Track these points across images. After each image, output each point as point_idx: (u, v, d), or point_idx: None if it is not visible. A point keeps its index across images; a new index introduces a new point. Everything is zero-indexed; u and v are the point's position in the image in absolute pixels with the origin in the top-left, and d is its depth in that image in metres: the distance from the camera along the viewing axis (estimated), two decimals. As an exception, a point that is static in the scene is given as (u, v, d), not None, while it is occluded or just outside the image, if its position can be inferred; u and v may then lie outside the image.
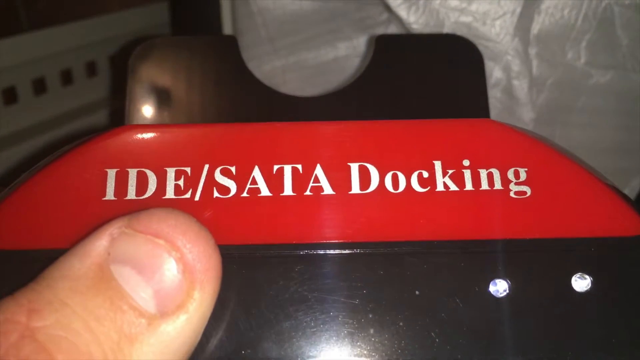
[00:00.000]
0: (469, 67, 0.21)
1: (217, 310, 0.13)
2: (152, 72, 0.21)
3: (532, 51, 0.31)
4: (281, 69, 0.35)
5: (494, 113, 0.33)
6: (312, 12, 0.34)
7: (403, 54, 0.22)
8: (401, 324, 0.14)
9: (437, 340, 0.14)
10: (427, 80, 0.21)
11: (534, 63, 0.31)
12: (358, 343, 0.14)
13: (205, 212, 0.15)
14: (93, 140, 0.16)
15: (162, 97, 0.21)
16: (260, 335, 0.14)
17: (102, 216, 0.13)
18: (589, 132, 0.32)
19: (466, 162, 0.16)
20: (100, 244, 0.12)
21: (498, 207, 0.15)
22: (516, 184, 0.16)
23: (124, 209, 0.14)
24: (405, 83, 0.21)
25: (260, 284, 0.14)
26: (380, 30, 0.34)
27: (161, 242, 0.12)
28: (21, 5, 0.40)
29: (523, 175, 0.16)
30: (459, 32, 0.31)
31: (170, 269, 0.12)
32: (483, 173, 0.16)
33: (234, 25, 0.35)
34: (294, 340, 0.14)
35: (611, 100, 0.31)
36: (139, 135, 0.16)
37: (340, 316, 0.14)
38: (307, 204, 0.15)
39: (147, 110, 0.21)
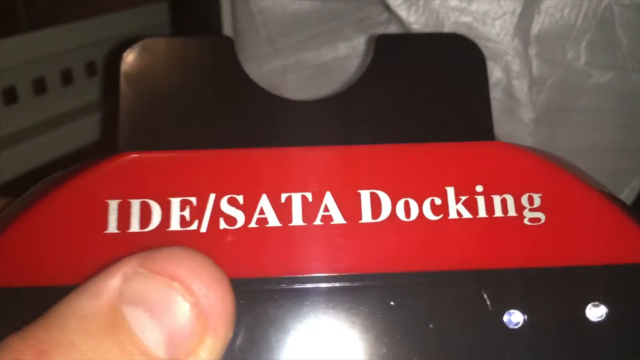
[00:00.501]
0: (471, 67, 0.21)
1: (228, 347, 0.13)
2: (144, 75, 0.20)
3: (532, 51, 0.31)
4: (281, 69, 0.35)
5: (494, 113, 0.33)
6: (312, 12, 0.34)
7: (404, 54, 0.22)
8: (415, 358, 0.14)
9: None
10: (429, 80, 0.21)
11: (534, 63, 0.31)
12: None
13: (226, 237, 0.15)
14: (92, 168, 0.15)
15: (156, 100, 0.21)
16: None
17: (104, 250, 0.13)
18: (589, 132, 0.32)
19: (479, 188, 0.15)
20: (112, 283, 0.12)
21: (512, 235, 0.15)
22: (530, 210, 0.15)
23: (128, 243, 0.13)
24: (407, 84, 0.21)
25: (271, 319, 0.14)
26: (380, 30, 0.34)
27: (176, 285, 0.12)
28: (21, 5, 0.40)
29: (537, 201, 0.15)
30: (459, 32, 0.31)
31: (184, 314, 0.11)
32: (497, 199, 0.15)
33: (234, 25, 0.35)
34: None
35: (611, 100, 0.31)
36: (140, 162, 0.15)
37: (354, 351, 0.14)
38: (317, 234, 0.15)
39: (141, 115, 0.20)
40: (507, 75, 0.32)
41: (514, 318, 0.14)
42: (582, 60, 0.31)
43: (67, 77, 0.40)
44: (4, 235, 0.14)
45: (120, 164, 0.15)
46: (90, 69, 0.42)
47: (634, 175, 0.33)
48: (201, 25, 0.38)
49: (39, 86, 0.39)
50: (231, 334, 0.12)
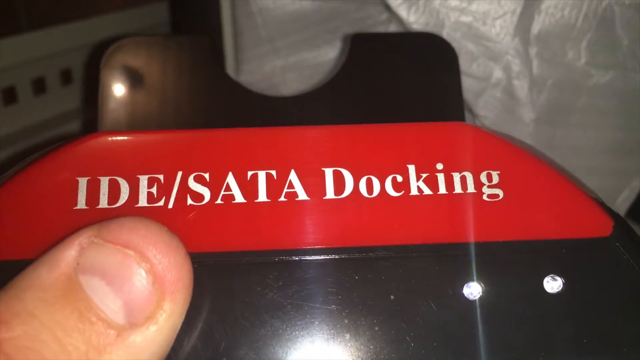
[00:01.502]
0: (444, 66, 0.21)
1: (192, 318, 0.13)
2: (124, 73, 0.21)
3: (533, 51, 0.31)
4: (281, 69, 0.35)
5: (494, 113, 0.33)
6: (312, 12, 0.34)
7: (379, 53, 0.22)
8: (377, 328, 0.14)
9: (412, 344, 0.14)
10: (403, 79, 0.22)
11: (534, 63, 0.31)
12: (334, 349, 0.14)
13: (189, 214, 0.15)
14: (63, 148, 0.16)
15: (135, 98, 0.21)
16: (235, 343, 0.14)
17: (73, 226, 0.13)
18: (589, 132, 0.32)
19: (440, 166, 0.16)
20: (69, 253, 0.12)
21: (471, 210, 0.15)
22: (489, 187, 0.16)
23: (96, 218, 0.13)
24: (381, 82, 0.21)
25: (236, 291, 0.14)
26: (380, 30, 0.34)
27: (131, 252, 0.12)
28: (21, 5, 0.40)
29: (496, 178, 0.16)
30: (459, 32, 0.31)
31: (139, 280, 0.12)
32: (456, 176, 0.16)
33: (234, 25, 0.35)
34: (270, 347, 0.14)
35: (611, 100, 0.31)
36: (110, 142, 0.16)
37: (316, 322, 0.14)
38: (282, 210, 0.15)
39: (120, 112, 0.21)
40: (508, 75, 0.32)
41: (474, 290, 0.15)
42: (583, 60, 0.31)
43: (66, 77, 0.40)
44: None
45: (90, 143, 0.16)
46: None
47: (634, 175, 0.33)
48: (201, 25, 0.38)
49: (39, 86, 0.39)
50: (189, 299, 0.12)
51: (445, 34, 0.31)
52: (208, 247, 0.15)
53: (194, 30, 0.40)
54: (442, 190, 0.16)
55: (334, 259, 0.15)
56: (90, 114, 0.41)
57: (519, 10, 0.31)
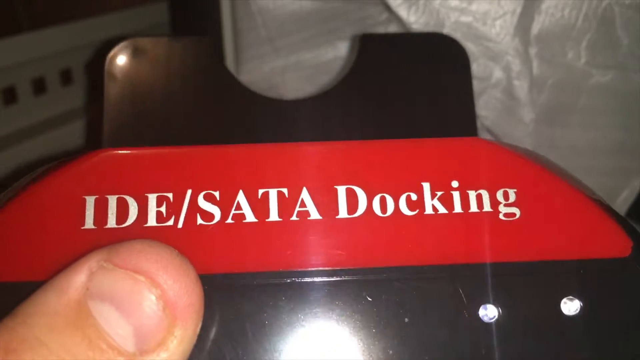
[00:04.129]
0: (455, 67, 0.21)
1: (202, 340, 0.13)
2: (128, 74, 0.20)
3: (533, 51, 0.31)
4: (281, 69, 0.35)
5: (494, 113, 0.33)
6: (312, 12, 0.34)
7: (388, 54, 0.22)
8: (390, 352, 0.14)
9: None
10: (413, 80, 0.21)
11: (534, 63, 0.31)
12: None
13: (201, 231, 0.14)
14: (69, 165, 0.15)
15: (140, 101, 0.21)
16: None
17: (81, 246, 0.13)
18: (589, 132, 0.32)
19: (455, 184, 0.15)
20: (78, 278, 0.12)
21: (487, 229, 0.15)
22: (505, 205, 0.15)
23: (104, 239, 0.13)
24: (390, 84, 0.21)
25: (246, 313, 0.14)
26: (380, 30, 0.34)
27: (141, 278, 0.12)
28: (21, 5, 0.40)
29: (512, 197, 0.15)
30: (459, 32, 0.31)
31: (150, 306, 0.11)
32: (472, 195, 0.15)
33: (234, 25, 0.35)
34: None
35: (611, 100, 0.31)
36: (118, 159, 0.15)
37: (329, 345, 0.14)
38: (294, 229, 0.15)
39: (124, 113, 0.20)
40: (508, 75, 0.32)
41: (489, 312, 0.14)
42: (583, 60, 0.31)
43: (66, 77, 0.40)
44: None
45: (97, 160, 0.15)
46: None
47: (634, 175, 0.33)
48: (201, 25, 0.38)
49: (39, 86, 0.39)
50: (200, 324, 0.12)
51: (445, 33, 0.31)
52: (218, 268, 0.14)
53: (194, 30, 0.40)
54: (458, 209, 0.15)
55: (347, 280, 0.14)
56: (94, 113, 0.41)
57: (519, 10, 0.31)
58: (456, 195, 0.15)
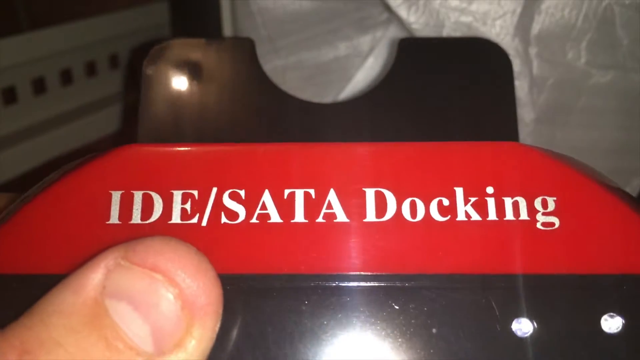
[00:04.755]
0: (497, 72, 0.20)
1: (222, 343, 0.13)
2: (166, 76, 0.20)
3: (533, 51, 0.31)
4: (281, 68, 0.35)
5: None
6: (312, 12, 0.34)
7: (427, 59, 0.21)
8: None
9: None
10: (452, 86, 0.20)
11: (534, 63, 0.31)
12: None
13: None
14: (97, 160, 0.15)
15: (176, 102, 0.20)
16: None
17: (106, 241, 0.12)
18: (589, 132, 0.32)
19: (490, 190, 0.15)
20: (95, 276, 0.11)
21: (523, 239, 0.14)
22: (544, 214, 0.14)
23: (129, 234, 0.13)
24: (429, 89, 0.20)
25: (267, 317, 0.14)
26: (380, 30, 0.34)
27: (159, 276, 0.11)
28: (21, 5, 0.40)
29: (551, 205, 0.15)
30: (459, 32, 0.31)
31: (168, 306, 0.11)
32: (508, 202, 0.15)
33: (234, 25, 0.35)
34: None
35: (611, 100, 0.31)
36: (145, 155, 0.15)
37: (351, 354, 0.13)
38: (320, 232, 0.14)
39: (160, 119, 0.20)
40: (507, 75, 0.32)
41: (523, 327, 0.14)
42: (583, 60, 0.31)
43: (66, 77, 0.40)
44: (8, 223, 0.14)
45: (124, 156, 0.15)
46: (90, 69, 0.42)
47: (634, 175, 0.33)
48: (201, 25, 0.38)
49: (39, 86, 0.39)
50: (218, 324, 0.12)
51: (445, 34, 0.31)
52: (241, 268, 0.14)
53: (194, 30, 0.40)
54: (492, 216, 0.14)
55: (373, 286, 0.14)
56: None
57: (519, 10, 0.31)
58: (491, 202, 0.15)
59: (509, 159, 0.15)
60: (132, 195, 0.15)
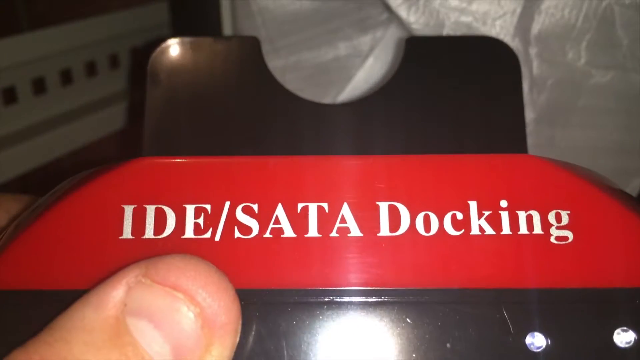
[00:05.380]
0: (504, 73, 0.20)
1: (237, 357, 0.13)
2: (170, 76, 0.20)
3: (533, 51, 0.31)
4: (281, 69, 0.35)
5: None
6: (312, 12, 0.34)
7: (435, 58, 0.21)
8: None
9: None
10: (460, 86, 0.20)
11: (534, 63, 0.31)
12: None
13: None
14: (109, 173, 0.15)
15: (182, 101, 0.20)
16: None
17: (118, 256, 0.12)
18: (589, 132, 0.32)
19: (504, 203, 0.15)
20: (116, 293, 0.11)
21: (537, 253, 0.14)
22: (557, 228, 0.14)
23: (142, 249, 0.13)
24: (436, 89, 0.20)
25: (282, 332, 0.14)
26: (380, 30, 0.34)
27: (180, 295, 0.11)
28: (21, 5, 0.40)
29: (565, 219, 0.14)
30: (459, 32, 0.31)
31: (188, 324, 0.11)
32: (522, 215, 0.14)
33: (234, 25, 0.35)
34: None
35: (611, 100, 0.31)
36: (156, 168, 0.15)
37: None
38: (333, 246, 0.14)
39: (166, 117, 0.20)
40: (507, 75, 0.32)
41: (537, 341, 0.13)
42: (583, 60, 0.31)
43: (66, 77, 0.40)
44: (19, 238, 0.14)
45: (136, 169, 0.15)
46: (90, 68, 0.42)
47: (634, 175, 0.33)
48: (201, 25, 0.38)
49: (39, 86, 0.39)
50: (237, 342, 0.12)
51: (445, 34, 0.31)
52: (255, 283, 0.14)
53: (194, 30, 0.40)
54: (506, 230, 0.14)
55: (387, 301, 0.14)
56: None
57: (519, 10, 0.31)
58: (505, 216, 0.14)
59: (522, 171, 0.15)
60: (145, 209, 0.15)
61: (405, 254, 0.14)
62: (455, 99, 0.20)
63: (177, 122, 0.20)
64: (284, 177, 0.15)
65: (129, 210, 0.15)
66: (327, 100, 0.35)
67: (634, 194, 0.33)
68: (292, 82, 0.35)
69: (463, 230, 0.14)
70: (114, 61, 0.43)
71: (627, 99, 0.31)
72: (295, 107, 0.20)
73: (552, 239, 0.14)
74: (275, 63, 0.35)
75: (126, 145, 0.43)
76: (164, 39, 0.21)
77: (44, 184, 0.16)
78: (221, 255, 0.14)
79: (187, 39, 0.20)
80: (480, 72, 0.20)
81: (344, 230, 0.14)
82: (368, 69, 0.34)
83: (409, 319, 0.14)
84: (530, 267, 0.14)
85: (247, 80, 0.21)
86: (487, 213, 0.15)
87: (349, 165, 0.15)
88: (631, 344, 0.13)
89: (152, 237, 0.14)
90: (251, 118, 0.20)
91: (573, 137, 0.32)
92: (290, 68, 0.35)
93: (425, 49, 0.21)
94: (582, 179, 0.15)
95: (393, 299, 0.14)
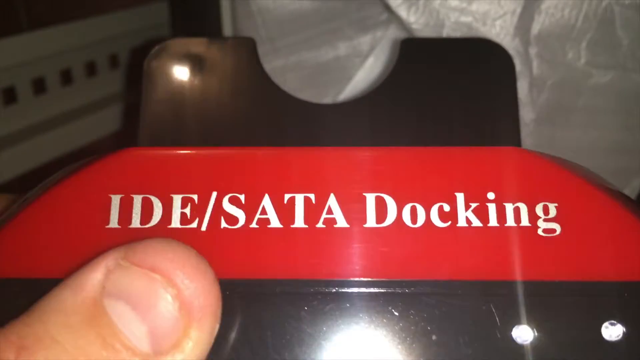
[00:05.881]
0: (499, 74, 0.20)
1: (220, 347, 0.13)
2: (167, 76, 0.20)
3: (533, 51, 0.31)
4: (281, 69, 0.35)
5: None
6: (312, 12, 0.34)
7: (429, 59, 0.21)
8: None
9: None
10: (454, 87, 0.20)
11: (534, 63, 0.31)
12: None
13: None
14: (96, 164, 0.15)
15: (178, 101, 0.20)
16: None
17: (105, 245, 0.12)
18: (589, 132, 0.32)
19: (491, 195, 0.15)
20: (94, 276, 0.11)
21: (524, 245, 0.14)
22: (545, 220, 0.14)
23: (128, 238, 0.13)
24: (431, 90, 0.20)
25: (267, 322, 0.14)
26: (380, 30, 0.34)
27: (157, 277, 0.11)
28: (21, 5, 0.40)
29: (553, 211, 0.14)
30: (459, 32, 0.31)
31: (166, 306, 0.11)
32: (509, 207, 0.14)
33: (234, 25, 0.35)
34: None
35: (611, 100, 0.31)
36: (144, 158, 0.15)
37: (352, 359, 0.13)
38: (320, 237, 0.14)
39: (162, 117, 0.20)
40: (507, 75, 0.32)
41: (523, 334, 0.13)
42: (583, 60, 0.31)
43: (66, 77, 0.40)
44: (6, 227, 0.14)
45: (123, 159, 0.15)
46: (90, 68, 0.42)
47: (634, 175, 0.33)
48: (201, 25, 0.38)
49: (39, 86, 0.39)
50: (217, 327, 0.12)
51: (445, 34, 0.31)
52: (240, 273, 0.14)
53: (194, 30, 0.40)
54: (493, 222, 0.14)
55: (373, 292, 0.14)
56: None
57: (519, 10, 0.31)
58: (492, 208, 0.14)
59: (510, 164, 0.15)
60: (132, 199, 0.15)
61: (392, 246, 0.14)
62: (448, 100, 0.20)
63: (173, 123, 0.20)
64: (271, 168, 0.15)
65: (116, 199, 0.15)
66: (327, 100, 0.35)
67: (634, 194, 0.33)
68: (292, 82, 0.35)
69: (450, 222, 0.14)
70: (113, 61, 0.43)
71: (627, 99, 0.31)
72: (290, 108, 0.20)
73: (540, 232, 0.14)
74: (275, 63, 0.35)
75: (126, 145, 0.43)
76: (163, 39, 0.21)
77: (44, 184, 0.16)
78: (207, 245, 0.14)
79: (183, 40, 0.21)
80: (474, 73, 0.20)
81: (331, 221, 0.14)
82: (368, 69, 0.34)
83: (395, 310, 0.14)
84: (518, 259, 0.14)
85: (243, 81, 0.21)
86: (474, 205, 0.14)
87: (336, 157, 0.15)
88: (619, 337, 0.13)
89: (139, 226, 0.14)
90: (246, 118, 0.20)
91: (573, 137, 0.32)
92: (290, 68, 0.35)
93: (420, 51, 0.21)
94: (570, 172, 0.15)
95: (379, 291, 0.14)
